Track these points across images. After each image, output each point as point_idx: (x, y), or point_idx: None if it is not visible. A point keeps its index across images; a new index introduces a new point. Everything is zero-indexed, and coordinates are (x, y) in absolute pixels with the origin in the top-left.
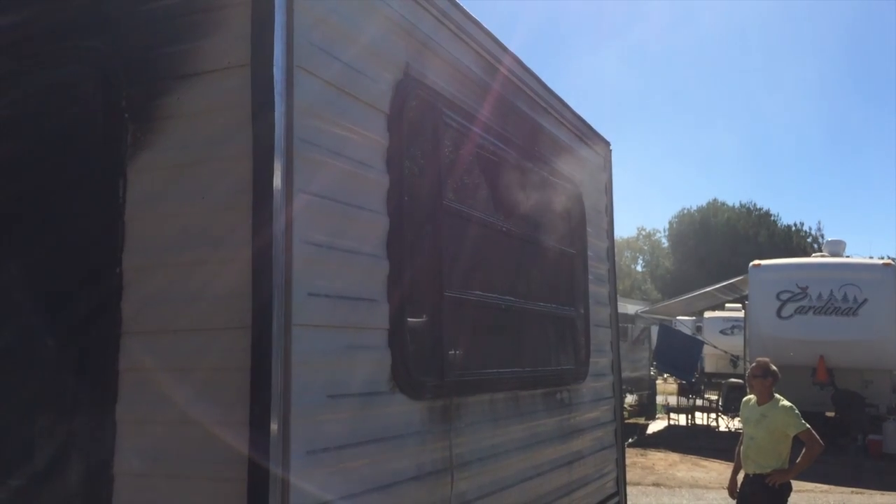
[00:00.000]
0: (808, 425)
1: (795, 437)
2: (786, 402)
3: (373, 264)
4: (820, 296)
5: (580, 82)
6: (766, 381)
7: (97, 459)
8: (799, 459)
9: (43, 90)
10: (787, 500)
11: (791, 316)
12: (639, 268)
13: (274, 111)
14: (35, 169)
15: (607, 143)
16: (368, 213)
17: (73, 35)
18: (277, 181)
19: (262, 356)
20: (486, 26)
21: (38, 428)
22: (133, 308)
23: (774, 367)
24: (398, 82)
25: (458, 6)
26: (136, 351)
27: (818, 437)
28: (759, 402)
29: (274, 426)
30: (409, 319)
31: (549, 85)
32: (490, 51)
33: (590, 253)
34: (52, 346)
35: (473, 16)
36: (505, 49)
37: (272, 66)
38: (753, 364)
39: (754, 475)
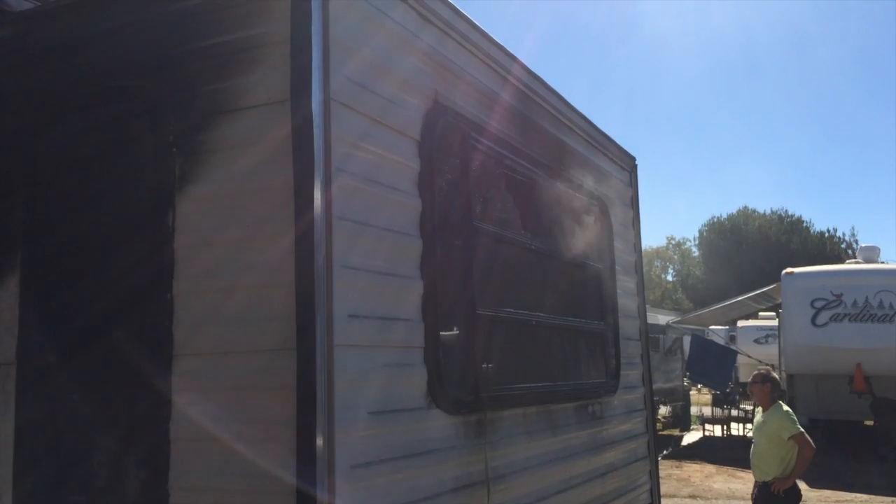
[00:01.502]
0: (801, 429)
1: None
2: (784, 408)
3: (408, 285)
4: (855, 303)
5: (608, 90)
6: (764, 387)
7: (153, 475)
8: (794, 465)
9: (98, 127)
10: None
11: (826, 324)
12: (669, 277)
13: (313, 143)
14: (93, 201)
15: (632, 158)
16: (402, 237)
17: (124, 75)
18: (318, 209)
19: (306, 375)
20: (513, 52)
21: (98, 445)
22: (184, 331)
23: (774, 375)
24: (428, 110)
25: (482, 32)
26: (188, 371)
27: (810, 440)
28: (763, 410)
29: (319, 442)
30: (444, 337)
31: (576, 95)
32: (514, 73)
33: (618, 267)
34: (111, 366)
35: (498, 41)
36: (529, 71)
37: (311, 101)
38: (754, 373)
39: (762, 482)
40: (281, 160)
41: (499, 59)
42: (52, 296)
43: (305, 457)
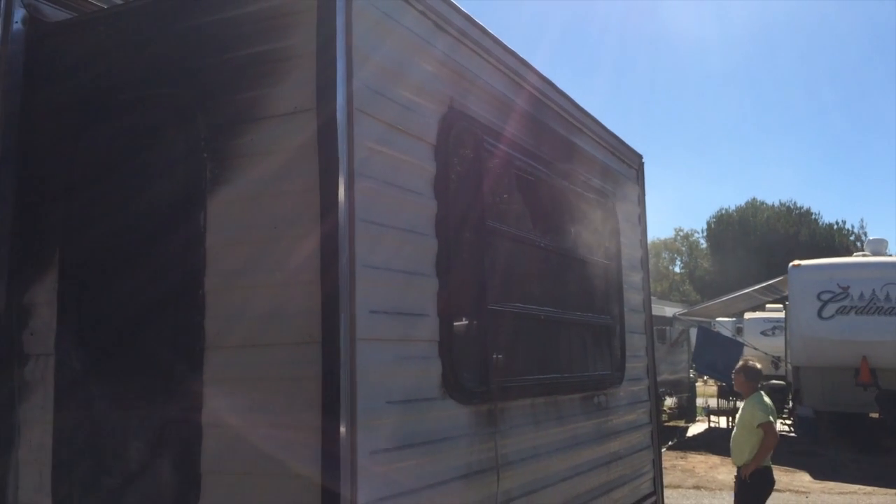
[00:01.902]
0: (769, 418)
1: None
2: (760, 398)
3: (424, 283)
4: (862, 295)
5: (617, 80)
6: (738, 376)
7: (186, 459)
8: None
9: (134, 132)
10: (761, 493)
11: (832, 316)
12: (677, 269)
13: (337, 149)
14: (128, 202)
15: (639, 157)
16: (419, 237)
17: (158, 83)
18: (341, 211)
19: (331, 367)
20: (526, 59)
21: (133, 431)
22: (215, 325)
23: (751, 365)
24: (443, 115)
25: (494, 38)
26: (218, 363)
27: (776, 430)
28: (744, 398)
29: (343, 429)
30: (457, 331)
31: (585, 86)
32: (526, 77)
33: (624, 262)
34: (144, 357)
35: (509, 46)
36: (540, 75)
37: (335, 110)
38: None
39: (738, 468)
40: (306, 165)
41: (510, 65)
42: (88, 291)
43: (329, 443)
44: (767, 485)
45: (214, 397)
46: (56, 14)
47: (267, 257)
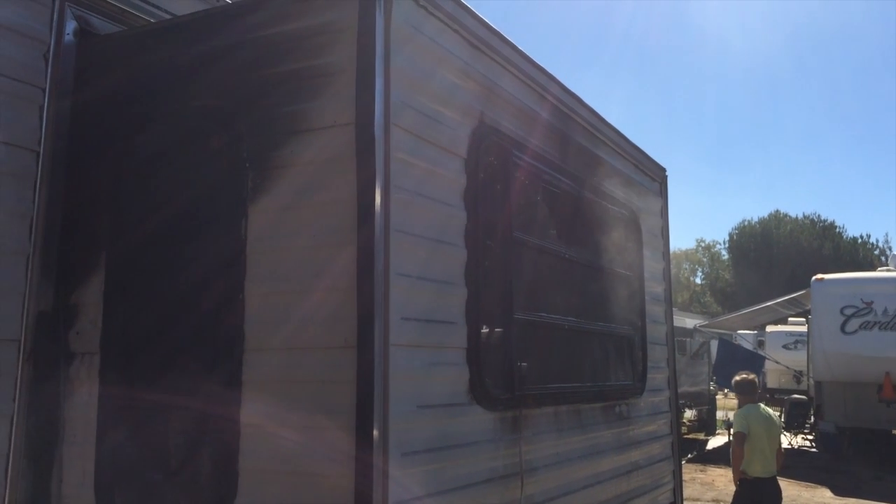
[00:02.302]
0: (739, 429)
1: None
2: (746, 409)
3: (453, 291)
4: (886, 311)
5: (641, 92)
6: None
7: (224, 457)
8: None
9: (180, 141)
10: (736, 501)
11: (855, 331)
12: (698, 280)
13: (374, 162)
14: (173, 208)
15: (663, 169)
16: (449, 247)
17: (203, 96)
18: (377, 222)
19: (365, 371)
20: (549, 70)
21: (174, 429)
22: (254, 328)
23: (741, 378)
24: (474, 129)
25: (522, 54)
26: (257, 365)
27: (741, 441)
28: None
29: (375, 431)
30: (484, 339)
31: (608, 97)
32: (552, 91)
33: (646, 274)
34: (186, 358)
35: (537, 62)
36: (566, 89)
37: (373, 125)
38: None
39: None
40: (343, 177)
41: (538, 79)
42: (132, 293)
43: (363, 444)
44: (743, 495)
45: (253, 398)
46: (105, 27)
47: (305, 265)
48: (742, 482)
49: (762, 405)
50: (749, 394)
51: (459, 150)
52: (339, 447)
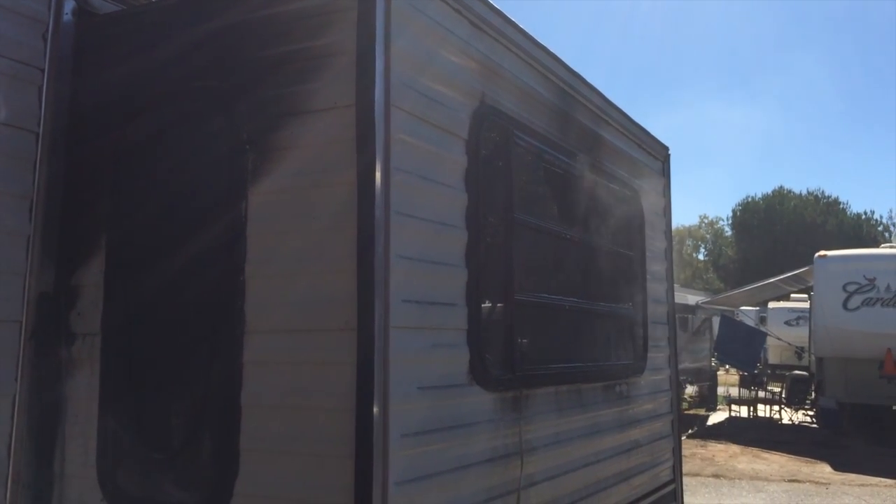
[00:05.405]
0: None
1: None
2: None
3: (454, 273)
4: (888, 287)
5: (645, 66)
6: None
7: (225, 438)
8: None
9: (179, 122)
10: None
11: (858, 308)
12: (700, 256)
13: (375, 144)
14: (172, 189)
15: (665, 148)
16: (451, 229)
17: (203, 76)
18: (378, 204)
19: (366, 353)
20: (553, 50)
21: (176, 409)
22: (255, 310)
23: None
24: (475, 110)
25: (526, 35)
26: (258, 347)
27: None
28: None
29: (376, 412)
30: (485, 320)
31: (611, 70)
32: (555, 71)
33: (648, 254)
34: (187, 340)
35: (539, 40)
36: (569, 68)
37: (373, 106)
38: None
39: None
40: (344, 158)
41: (540, 59)
42: (133, 274)
43: (363, 425)
44: None
45: (254, 379)
46: (104, 6)
47: (305, 246)
48: None
49: None
50: None
51: (461, 131)
52: (340, 428)
